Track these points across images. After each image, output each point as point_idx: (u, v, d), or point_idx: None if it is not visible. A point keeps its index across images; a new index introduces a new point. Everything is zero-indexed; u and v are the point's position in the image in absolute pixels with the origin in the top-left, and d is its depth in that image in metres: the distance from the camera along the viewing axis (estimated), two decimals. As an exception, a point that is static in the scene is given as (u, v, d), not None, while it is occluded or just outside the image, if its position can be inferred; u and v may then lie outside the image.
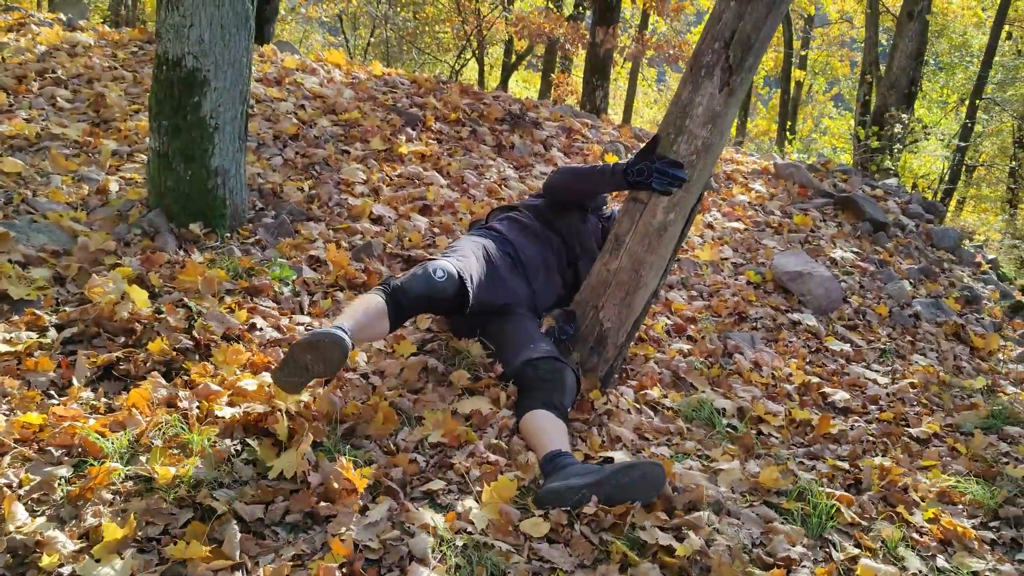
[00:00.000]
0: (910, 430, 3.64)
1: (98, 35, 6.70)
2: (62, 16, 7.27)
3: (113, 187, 4.24)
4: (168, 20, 3.86)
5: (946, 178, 15.72)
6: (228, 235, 4.03)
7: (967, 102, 16.60)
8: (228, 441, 2.50)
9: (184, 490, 2.23)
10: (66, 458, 2.32)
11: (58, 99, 5.18)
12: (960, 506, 3.00)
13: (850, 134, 22.66)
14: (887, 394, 4.07)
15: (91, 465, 2.25)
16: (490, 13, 18.60)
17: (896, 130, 13.87)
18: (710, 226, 5.92)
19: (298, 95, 6.06)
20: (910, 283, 5.72)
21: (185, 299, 3.32)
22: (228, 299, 3.42)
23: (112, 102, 5.20)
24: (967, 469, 3.31)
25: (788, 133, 23.05)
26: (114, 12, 15.65)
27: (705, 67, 3.18)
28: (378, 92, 6.59)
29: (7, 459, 2.26)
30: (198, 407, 2.63)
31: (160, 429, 2.49)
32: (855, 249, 6.08)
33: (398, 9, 20.02)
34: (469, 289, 3.04)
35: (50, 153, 4.43)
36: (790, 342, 4.51)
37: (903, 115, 14.04)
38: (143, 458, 2.34)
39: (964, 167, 16.63)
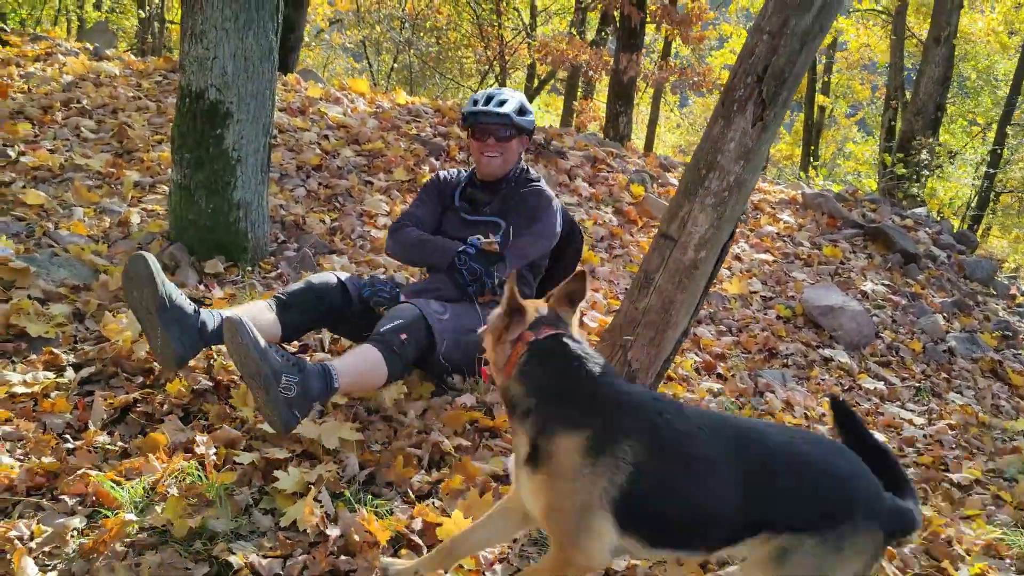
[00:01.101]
0: (950, 475, 3.50)
1: (124, 64, 6.73)
2: (88, 45, 7.31)
3: (135, 219, 4.21)
4: (192, 52, 3.83)
5: (973, 205, 15.49)
6: (250, 269, 3.98)
7: (995, 128, 16.41)
8: (246, 489, 2.42)
9: (200, 543, 2.15)
10: (80, 507, 2.25)
11: (82, 129, 5.18)
12: (1008, 560, 2.86)
13: (874, 160, 22.49)
14: (924, 436, 3.93)
15: (105, 516, 2.18)
16: (513, 39, 18.65)
17: (923, 156, 13.72)
18: (738, 258, 5.82)
19: (321, 125, 6.03)
20: (943, 317, 5.58)
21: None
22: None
23: (135, 133, 5.19)
24: (1013, 519, 3.17)
25: (811, 158, 22.90)
26: (140, 40, 15.81)
27: (737, 101, 3.10)
28: (401, 121, 6.56)
29: (19, 508, 2.20)
30: (215, 453, 2.55)
31: (177, 477, 2.41)
32: (886, 282, 5.95)
33: (421, 35, 20.13)
34: (346, 282, 3.21)
35: (73, 184, 4.40)
36: (822, 379, 4.39)
37: (930, 141, 13.90)
38: (159, 508, 2.26)
39: (992, 193, 16.38)
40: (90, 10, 18.52)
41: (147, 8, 15.75)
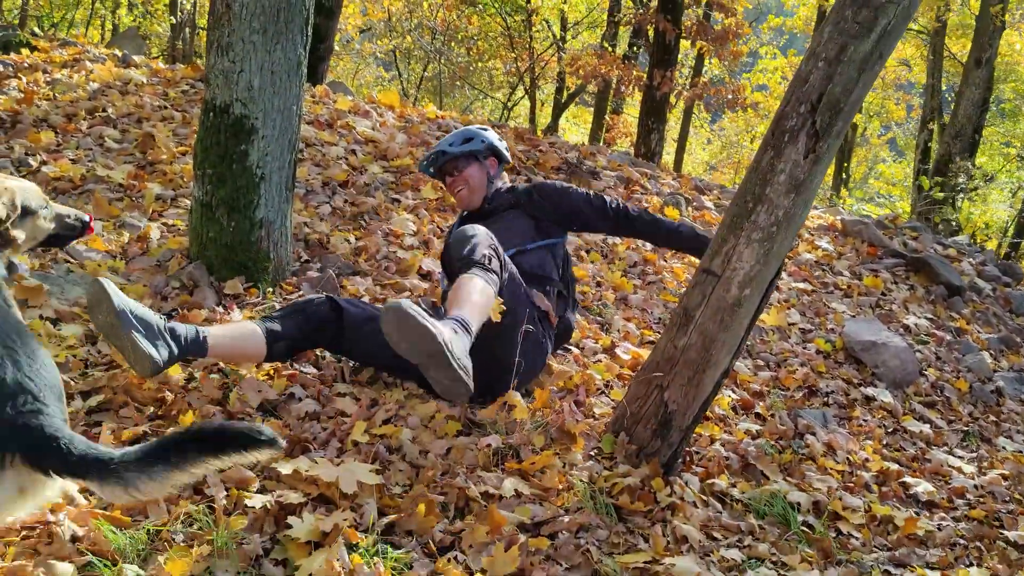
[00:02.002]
0: (1006, 533, 3.29)
1: (151, 72, 6.64)
2: (117, 52, 7.24)
3: (154, 235, 4.09)
4: (217, 65, 3.71)
5: (1011, 231, 15.10)
6: (271, 290, 3.83)
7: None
8: (256, 536, 2.26)
9: (204, 600, 1.99)
10: (76, 557, 2.09)
11: (106, 139, 5.08)
12: (1073, 635, 2.65)
13: (906, 181, 22.15)
14: (975, 486, 3.71)
15: (105, 566, 2.03)
16: (544, 52, 18.54)
17: (960, 180, 13.43)
18: (776, 287, 5.61)
19: (349, 139, 5.90)
20: (990, 355, 5.34)
21: (221, 364, 3.11)
22: (267, 365, 3.21)
23: (160, 143, 5.07)
24: (1076, 586, 2.95)
25: (843, 176, 22.60)
26: (171, 46, 15.83)
27: (789, 131, 2.92)
28: (431, 137, 6.42)
29: (14, 551, 2.05)
30: (226, 495, 2.40)
31: (184, 522, 2.26)
32: (929, 315, 5.72)
33: (452, 44, 20.06)
34: (339, 300, 3.17)
35: (94, 196, 4.29)
36: (864, 420, 4.18)
37: (967, 164, 13.61)
38: (161, 558, 2.11)
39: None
40: (123, 14, 18.60)
41: (178, 14, 15.78)
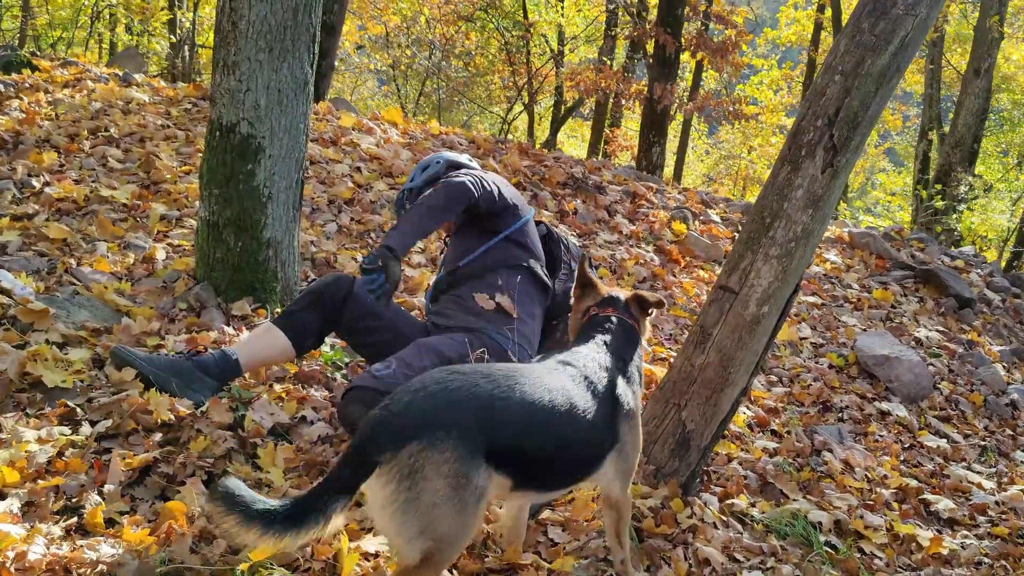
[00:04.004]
0: (1030, 551, 3.23)
1: (153, 91, 6.60)
2: (118, 71, 7.21)
3: (160, 255, 4.04)
4: (223, 84, 3.66)
5: (1011, 241, 15.06)
6: (278, 311, 3.78)
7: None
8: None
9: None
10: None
11: (109, 159, 5.03)
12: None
13: (905, 191, 22.12)
14: (996, 503, 3.66)
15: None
16: (543, 66, 18.55)
17: (961, 190, 13.42)
18: (784, 300, 5.56)
19: (354, 156, 5.86)
20: (1003, 367, 5.29)
21: (231, 386, 3.05)
22: (277, 387, 3.15)
23: (163, 163, 5.02)
24: (1105, 605, 2.90)
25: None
26: (171, 64, 15.80)
27: (806, 146, 2.89)
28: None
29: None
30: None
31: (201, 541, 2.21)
32: (940, 328, 5.67)
33: (450, 59, 20.06)
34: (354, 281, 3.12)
35: (97, 217, 4.24)
36: (880, 436, 4.12)
37: (968, 174, 13.60)
38: (178, 590, 2.05)
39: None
40: (122, 32, 18.58)
41: (177, 32, 15.77)
